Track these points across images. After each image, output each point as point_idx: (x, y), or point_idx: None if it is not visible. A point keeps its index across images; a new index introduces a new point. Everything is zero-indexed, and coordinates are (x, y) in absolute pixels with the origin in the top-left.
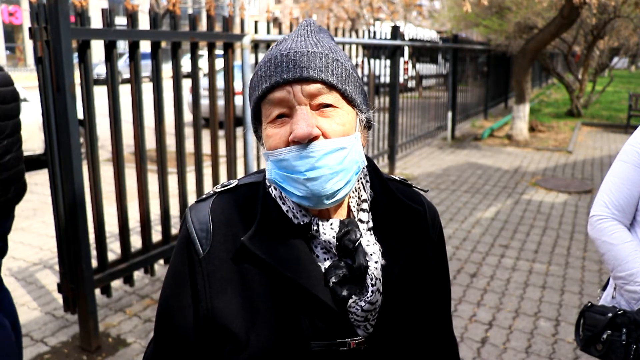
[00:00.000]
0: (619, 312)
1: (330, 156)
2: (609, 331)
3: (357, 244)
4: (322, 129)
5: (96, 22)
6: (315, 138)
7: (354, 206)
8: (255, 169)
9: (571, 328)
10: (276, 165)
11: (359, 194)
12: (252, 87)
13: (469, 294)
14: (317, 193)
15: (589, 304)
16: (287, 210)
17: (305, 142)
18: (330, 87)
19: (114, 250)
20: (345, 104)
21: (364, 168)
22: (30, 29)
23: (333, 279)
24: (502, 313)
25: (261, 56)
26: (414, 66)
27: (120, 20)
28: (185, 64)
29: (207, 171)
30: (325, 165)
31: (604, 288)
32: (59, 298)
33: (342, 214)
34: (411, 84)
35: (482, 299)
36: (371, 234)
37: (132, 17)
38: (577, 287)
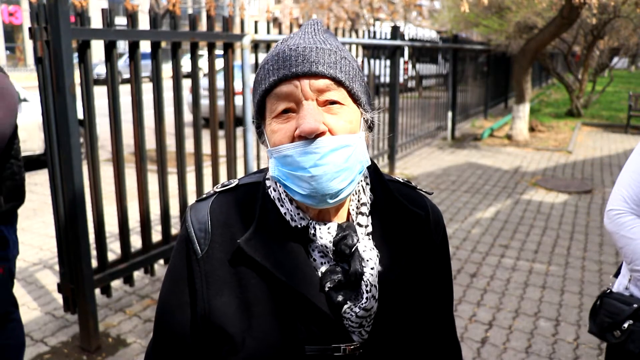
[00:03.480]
0: None
1: (336, 153)
2: (631, 321)
3: (353, 250)
4: (328, 125)
5: (96, 22)
6: (322, 134)
7: (353, 209)
8: (255, 169)
9: (571, 328)
10: (280, 162)
11: (358, 197)
12: (258, 80)
13: (469, 294)
14: (320, 191)
15: (608, 290)
16: (285, 213)
17: (311, 137)
18: (338, 83)
19: (114, 250)
20: (351, 102)
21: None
22: (30, 29)
23: (328, 284)
24: (502, 313)
25: (261, 56)
26: (414, 66)
27: (120, 20)
28: (185, 64)
29: (207, 171)
30: (330, 162)
31: (617, 275)
32: (59, 298)
33: (341, 216)
34: (411, 84)
35: (482, 299)
36: (369, 239)
37: (132, 17)
38: (577, 287)
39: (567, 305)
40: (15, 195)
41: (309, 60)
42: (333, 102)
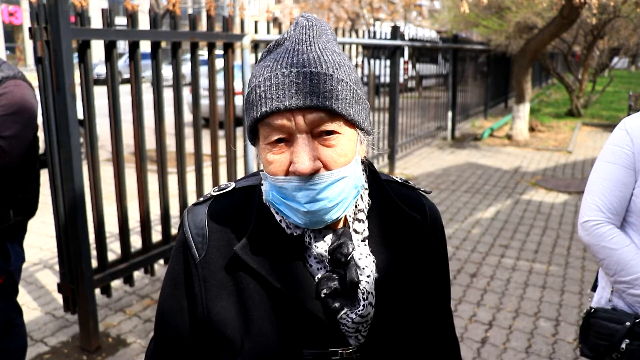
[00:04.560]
0: (638, 321)
1: (332, 188)
2: (627, 340)
3: (349, 258)
4: (323, 161)
5: (96, 22)
6: (317, 171)
7: (350, 216)
8: (255, 169)
9: (571, 328)
10: (275, 189)
11: (355, 203)
12: (250, 102)
13: (469, 294)
14: (315, 223)
15: (592, 309)
16: (280, 220)
17: (306, 175)
18: (334, 114)
19: (114, 250)
20: (347, 129)
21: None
22: (30, 29)
23: (325, 291)
24: (502, 313)
25: None
26: (414, 66)
27: (120, 20)
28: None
29: (207, 171)
30: (326, 198)
31: (594, 288)
32: (59, 298)
33: (337, 223)
34: (411, 84)
35: (482, 299)
36: (365, 245)
37: (132, 17)
38: (577, 287)
39: (567, 305)
40: (26, 208)
41: (303, 92)
42: (329, 132)
